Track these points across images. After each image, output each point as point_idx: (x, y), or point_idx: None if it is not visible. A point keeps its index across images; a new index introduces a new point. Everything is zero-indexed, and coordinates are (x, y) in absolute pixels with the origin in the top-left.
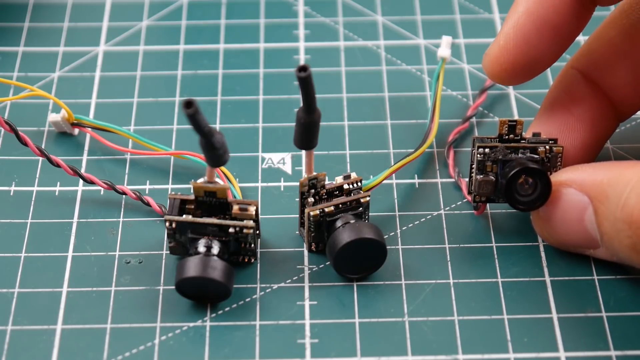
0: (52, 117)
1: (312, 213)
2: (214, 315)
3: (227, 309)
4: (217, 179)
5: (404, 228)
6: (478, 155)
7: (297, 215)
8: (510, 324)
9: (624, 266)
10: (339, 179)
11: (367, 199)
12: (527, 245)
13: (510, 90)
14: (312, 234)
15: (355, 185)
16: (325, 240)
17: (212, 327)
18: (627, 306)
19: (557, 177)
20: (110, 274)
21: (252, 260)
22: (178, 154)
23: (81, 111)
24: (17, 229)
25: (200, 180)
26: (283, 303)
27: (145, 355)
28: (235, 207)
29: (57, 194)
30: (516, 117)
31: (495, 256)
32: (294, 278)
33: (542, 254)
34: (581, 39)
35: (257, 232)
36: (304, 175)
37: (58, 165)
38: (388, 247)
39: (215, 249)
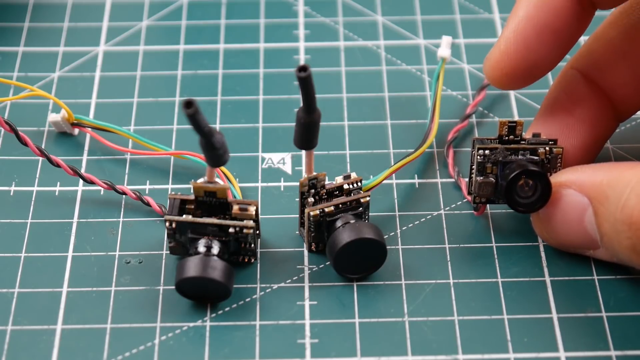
0: (52, 117)
1: (312, 213)
2: (214, 315)
3: (227, 309)
4: (217, 179)
5: (404, 228)
6: (478, 157)
7: (297, 215)
8: (510, 324)
9: (624, 266)
10: (339, 179)
11: (367, 199)
12: (527, 245)
13: (510, 90)
14: (312, 234)
15: (355, 185)
16: (325, 240)
17: (212, 327)
18: (627, 306)
19: (557, 178)
20: (110, 274)
21: (252, 260)
22: (178, 154)
23: (81, 111)
24: (17, 229)
25: (200, 180)
26: (283, 303)
27: (145, 355)
28: (235, 207)
29: (57, 194)
30: (516, 118)
31: (495, 256)
32: (294, 278)
33: (542, 254)
34: (581, 39)
35: (257, 232)
36: (304, 175)
37: (58, 165)
38: (388, 247)
39: (215, 249)
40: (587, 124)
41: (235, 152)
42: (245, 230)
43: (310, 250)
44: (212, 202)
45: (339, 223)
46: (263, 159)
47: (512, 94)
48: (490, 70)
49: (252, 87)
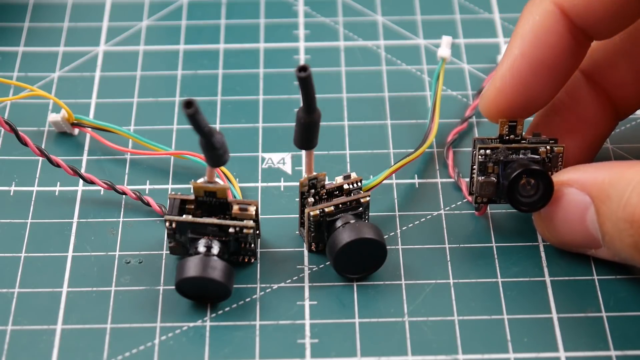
0: (52, 117)
1: (312, 213)
2: (214, 315)
3: (227, 309)
4: (217, 179)
5: (404, 228)
6: (479, 157)
7: (297, 215)
8: (510, 324)
9: (624, 266)
10: (339, 179)
11: (367, 199)
12: (527, 245)
13: None
14: (312, 234)
15: (355, 185)
16: (325, 240)
17: (212, 327)
18: (627, 306)
19: (558, 177)
20: (110, 274)
21: (252, 260)
22: (178, 154)
23: (81, 111)
24: (17, 229)
25: (200, 180)
26: (283, 303)
27: (145, 355)
28: (235, 207)
29: (57, 194)
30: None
31: (495, 256)
32: (294, 278)
33: (542, 254)
34: None
35: (257, 232)
36: (304, 175)
37: (58, 165)
38: (388, 247)
39: (215, 249)
40: (587, 123)
41: (235, 152)
42: (245, 230)
43: (310, 250)
44: (212, 202)
45: (339, 223)
46: (263, 159)
47: None
48: (487, 108)
49: (252, 87)
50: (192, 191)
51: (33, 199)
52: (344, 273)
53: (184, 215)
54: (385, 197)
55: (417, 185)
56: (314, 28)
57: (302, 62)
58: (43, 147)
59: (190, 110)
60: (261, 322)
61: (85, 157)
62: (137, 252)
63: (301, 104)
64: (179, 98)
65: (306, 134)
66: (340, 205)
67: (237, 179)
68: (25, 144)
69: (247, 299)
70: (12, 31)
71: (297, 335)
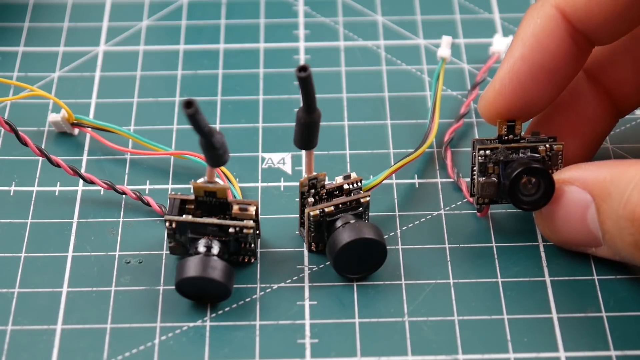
0: (52, 117)
1: (312, 213)
2: (214, 315)
3: (227, 309)
4: (217, 179)
5: (404, 228)
6: (479, 158)
7: (297, 215)
8: (510, 324)
9: (625, 266)
10: (339, 179)
11: (367, 199)
12: (527, 245)
13: None
14: (312, 234)
15: (355, 185)
16: (325, 240)
17: (212, 327)
18: (627, 306)
19: (559, 176)
20: (110, 274)
21: (252, 260)
22: (178, 154)
23: (81, 111)
24: (17, 229)
25: (200, 180)
26: (283, 303)
27: (145, 355)
28: (235, 207)
29: (57, 194)
30: None
31: (495, 256)
32: (294, 278)
33: (542, 254)
34: None
35: (257, 232)
36: (304, 175)
37: (58, 165)
38: (388, 247)
39: (215, 249)
40: (587, 121)
41: (235, 152)
42: (245, 230)
43: (310, 250)
44: (212, 202)
45: (339, 223)
46: (263, 159)
47: None
48: (485, 110)
49: (252, 87)
50: (192, 191)
51: (33, 199)
52: (344, 273)
53: (184, 215)
54: (385, 197)
55: (417, 185)
56: (314, 28)
57: (302, 62)
58: (43, 147)
59: (190, 110)
60: (261, 322)
61: (85, 157)
62: (137, 252)
63: (301, 104)
64: (179, 98)
65: (306, 134)
66: (340, 205)
67: (237, 179)
68: (25, 144)
69: (247, 299)
70: (12, 31)
71: (297, 335)
